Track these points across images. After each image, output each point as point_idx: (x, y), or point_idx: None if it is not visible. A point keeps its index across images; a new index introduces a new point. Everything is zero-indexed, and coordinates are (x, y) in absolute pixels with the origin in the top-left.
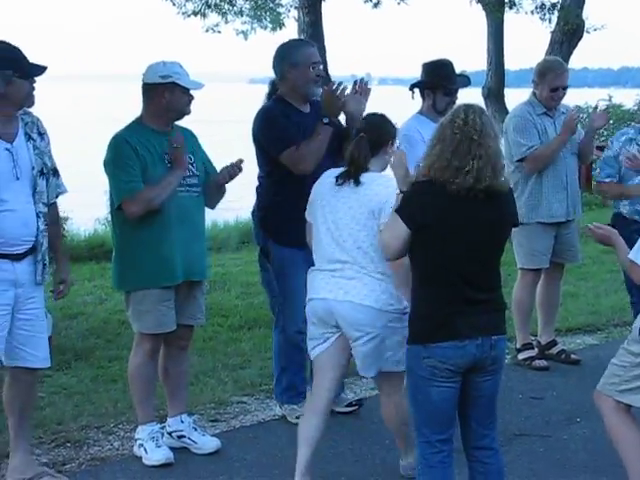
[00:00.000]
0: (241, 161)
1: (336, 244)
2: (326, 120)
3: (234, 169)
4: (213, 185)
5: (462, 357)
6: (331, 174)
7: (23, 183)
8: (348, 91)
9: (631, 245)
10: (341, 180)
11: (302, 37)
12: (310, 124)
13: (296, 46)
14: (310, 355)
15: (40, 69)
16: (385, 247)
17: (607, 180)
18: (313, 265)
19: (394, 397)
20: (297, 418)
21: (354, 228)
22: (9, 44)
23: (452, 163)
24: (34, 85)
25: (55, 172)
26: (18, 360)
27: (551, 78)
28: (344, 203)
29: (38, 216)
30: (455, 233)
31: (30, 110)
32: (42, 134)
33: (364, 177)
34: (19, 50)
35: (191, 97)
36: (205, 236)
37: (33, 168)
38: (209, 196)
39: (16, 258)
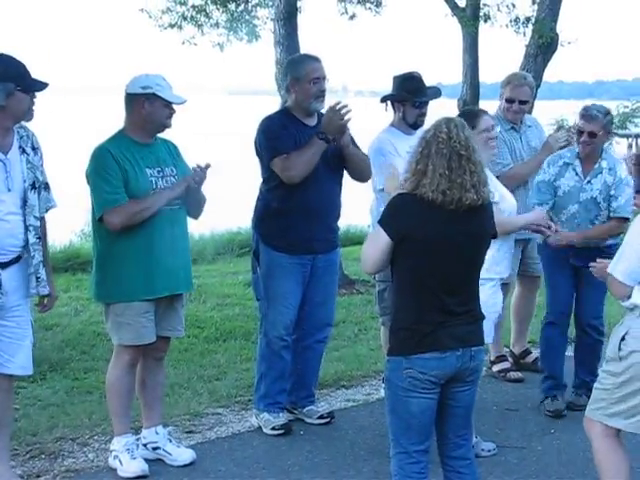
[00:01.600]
0: (207, 166)
1: None
2: (322, 135)
3: (198, 173)
4: (191, 194)
5: (443, 368)
6: None
7: (14, 195)
8: (350, 114)
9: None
10: None
11: (278, 49)
12: (309, 137)
13: (300, 61)
14: None
15: (42, 85)
16: (366, 260)
17: (538, 208)
18: (299, 273)
19: None
20: (272, 429)
21: None
22: (14, 58)
23: (450, 178)
24: (34, 100)
25: (46, 186)
26: None
27: (508, 89)
28: None
29: (28, 229)
30: (438, 244)
31: (25, 124)
32: (36, 149)
33: None
34: (23, 65)
35: (172, 111)
36: (189, 248)
37: (25, 181)
38: (191, 207)
39: (1, 266)
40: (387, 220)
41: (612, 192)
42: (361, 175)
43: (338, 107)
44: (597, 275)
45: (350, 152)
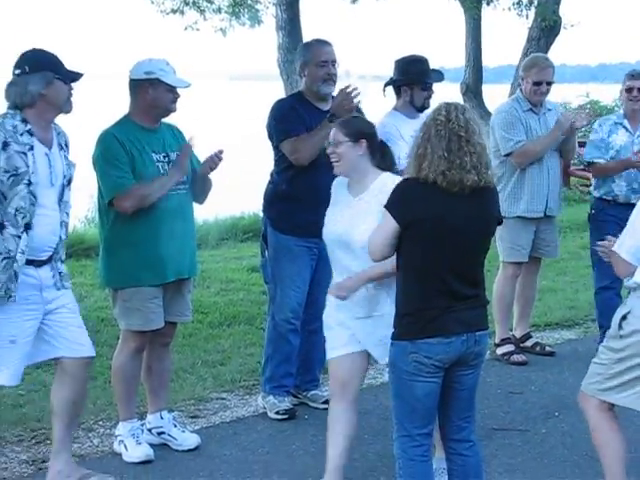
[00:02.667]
0: (221, 151)
1: None
2: (332, 118)
3: (214, 159)
4: (199, 179)
5: (448, 353)
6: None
7: (55, 190)
8: (360, 97)
9: (607, 229)
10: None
11: (280, 34)
12: (320, 121)
13: (309, 45)
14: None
15: (78, 74)
16: (374, 247)
17: (600, 160)
18: (307, 256)
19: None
20: (276, 414)
21: None
22: (47, 51)
23: (449, 159)
24: (72, 91)
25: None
26: (64, 350)
27: (535, 72)
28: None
29: (61, 225)
30: (445, 229)
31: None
32: (67, 145)
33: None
34: (56, 56)
35: (177, 95)
36: (195, 233)
37: (64, 177)
38: (197, 191)
39: (39, 264)
40: (394, 205)
41: None
42: None
43: (348, 90)
44: (602, 255)
45: None
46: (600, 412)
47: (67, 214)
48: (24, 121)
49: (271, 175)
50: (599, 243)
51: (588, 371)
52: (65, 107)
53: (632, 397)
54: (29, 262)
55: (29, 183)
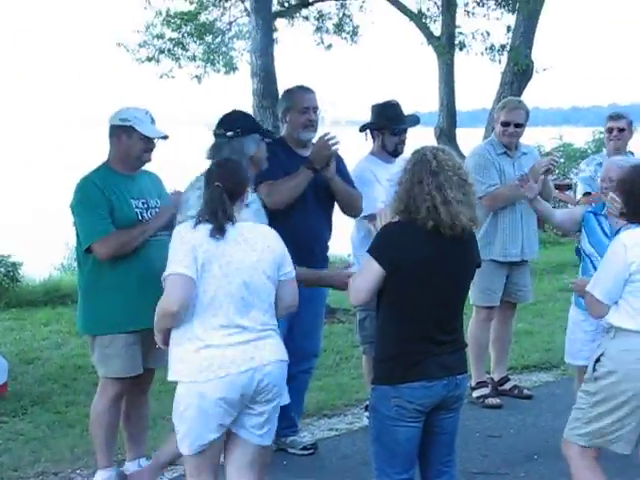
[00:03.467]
0: (179, 192)
1: (245, 304)
2: (309, 165)
3: (176, 197)
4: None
5: (430, 397)
6: (198, 229)
7: None
8: (338, 146)
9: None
10: (219, 234)
11: (255, 80)
12: (298, 167)
13: (291, 91)
14: (193, 449)
15: (269, 133)
16: (355, 291)
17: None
18: None
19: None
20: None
21: (265, 282)
22: (248, 113)
23: (446, 200)
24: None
25: None
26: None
27: (504, 113)
28: (249, 258)
29: None
30: (433, 273)
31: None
32: None
33: (241, 228)
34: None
35: (151, 145)
36: None
37: None
38: None
39: None
40: (379, 250)
41: None
42: (350, 209)
43: (326, 138)
44: (576, 291)
45: (337, 184)
46: (582, 459)
47: None
48: None
49: None
50: (573, 281)
51: (569, 418)
52: (262, 164)
53: (611, 441)
54: None
55: None
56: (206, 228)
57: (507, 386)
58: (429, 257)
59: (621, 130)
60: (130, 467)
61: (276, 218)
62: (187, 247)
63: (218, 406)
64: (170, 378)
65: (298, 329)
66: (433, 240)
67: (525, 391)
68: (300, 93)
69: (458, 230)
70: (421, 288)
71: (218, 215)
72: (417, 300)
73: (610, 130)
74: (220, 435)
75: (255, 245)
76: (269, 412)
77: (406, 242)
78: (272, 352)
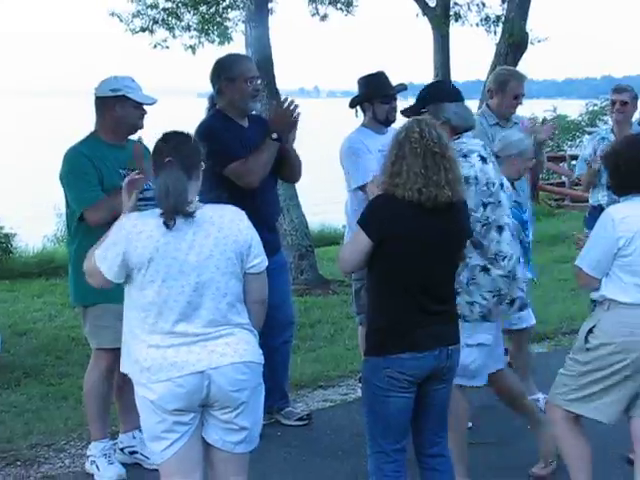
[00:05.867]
0: None
1: (190, 305)
2: (275, 136)
3: None
4: None
5: (421, 368)
6: (145, 219)
7: None
8: (299, 110)
9: None
10: (171, 221)
11: (250, 51)
12: (251, 138)
13: (233, 60)
14: (159, 459)
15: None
16: (344, 261)
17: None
18: None
19: None
20: None
21: (221, 281)
22: None
23: (426, 176)
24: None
25: None
26: None
27: (514, 86)
28: (198, 252)
29: None
30: (418, 245)
31: None
32: None
33: (199, 211)
34: None
35: (143, 111)
36: None
37: None
38: None
39: None
40: (367, 221)
41: None
42: (292, 175)
43: (287, 104)
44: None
45: (293, 151)
46: (566, 422)
47: None
48: None
49: (200, 200)
50: (577, 235)
51: (555, 381)
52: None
53: (596, 409)
54: None
55: None
56: (156, 217)
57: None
58: (414, 229)
59: (624, 103)
60: (124, 439)
61: (238, 195)
62: (119, 248)
63: (161, 410)
64: (122, 370)
65: (269, 303)
66: (419, 212)
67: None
68: (245, 62)
69: (442, 202)
70: (408, 259)
71: (170, 199)
72: (405, 271)
73: (613, 103)
74: (183, 441)
75: (216, 234)
76: (236, 421)
77: (393, 214)
78: (225, 354)
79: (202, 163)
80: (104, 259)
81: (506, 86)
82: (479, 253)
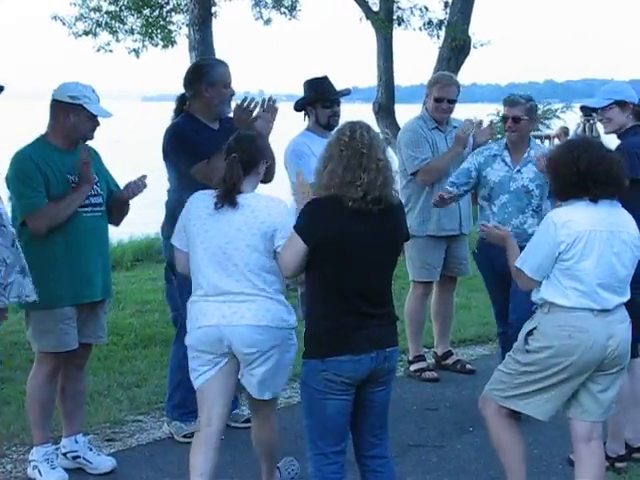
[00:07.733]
0: (144, 177)
1: (224, 271)
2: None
3: (138, 185)
4: (117, 202)
5: (358, 370)
6: (202, 198)
7: None
8: (259, 108)
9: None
10: (220, 203)
11: (193, 54)
12: (220, 140)
13: (213, 65)
14: (195, 385)
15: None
16: (284, 266)
17: (450, 188)
18: None
19: (270, 420)
20: (184, 437)
21: (245, 251)
22: None
23: (344, 178)
24: None
25: None
26: None
27: (436, 89)
28: (231, 226)
29: None
30: (352, 249)
31: None
32: None
33: (243, 198)
34: None
35: (97, 123)
36: (109, 255)
37: None
38: (114, 214)
39: None
40: (302, 226)
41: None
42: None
43: (246, 104)
44: (491, 239)
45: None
46: (500, 416)
47: None
48: None
49: (170, 199)
50: (483, 226)
51: (492, 377)
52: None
53: (532, 406)
54: None
55: None
56: (211, 197)
57: (450, 360)
58: (347, 232)
59: (516, 120)
60: (67, 443)
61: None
62: (181, 222)
63: (193, 349)
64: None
65: None
66: (350, 215)
67: (467, 366)
68: (224, 68)
69: (375, 205)
70: (343, 263)
71: (227, 184)
72: (340, 275)
73: (505, 119)
74: (209, 374)
75: (248, 214)
76: (259, 373)
77: (326, 218)
78: (244, 317)
79: (264, 162)
80: (175, 235)
81: (430, 89)
82: None
